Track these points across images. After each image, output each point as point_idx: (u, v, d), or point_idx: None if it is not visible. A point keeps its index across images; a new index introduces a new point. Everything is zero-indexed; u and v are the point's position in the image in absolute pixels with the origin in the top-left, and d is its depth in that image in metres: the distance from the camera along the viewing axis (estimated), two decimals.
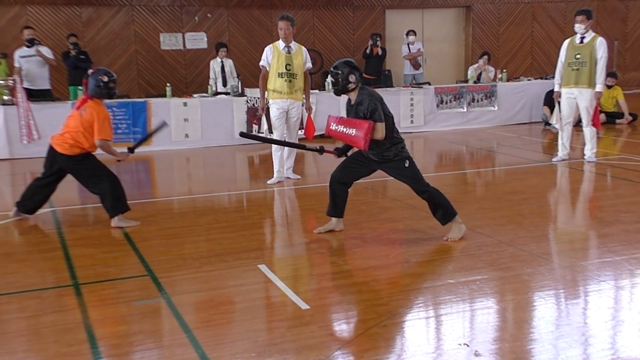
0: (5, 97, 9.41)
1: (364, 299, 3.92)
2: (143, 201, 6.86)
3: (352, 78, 4.89)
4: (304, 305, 3.79)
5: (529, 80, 12.98)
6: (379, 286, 4.13)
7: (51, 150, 5.65)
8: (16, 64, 10.26)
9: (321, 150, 5.30)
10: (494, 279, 4.24)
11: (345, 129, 4.89)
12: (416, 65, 12.89)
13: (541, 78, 13.24)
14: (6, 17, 11.66)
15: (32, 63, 10.26)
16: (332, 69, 4.97)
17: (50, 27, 11.92)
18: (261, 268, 4.47)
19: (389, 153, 4.95)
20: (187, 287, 4.19)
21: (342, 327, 3.62)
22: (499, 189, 7.22)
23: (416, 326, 3.59)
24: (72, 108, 9.55)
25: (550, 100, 10.31)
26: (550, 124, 10.64)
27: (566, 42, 8.39)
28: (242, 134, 5.49)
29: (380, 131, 4.82)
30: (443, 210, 5.06)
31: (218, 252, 4.90)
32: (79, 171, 5.65)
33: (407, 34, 12.96)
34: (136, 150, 5.99)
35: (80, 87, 10.29)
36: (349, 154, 5.28)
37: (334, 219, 5.33)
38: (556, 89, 8.53)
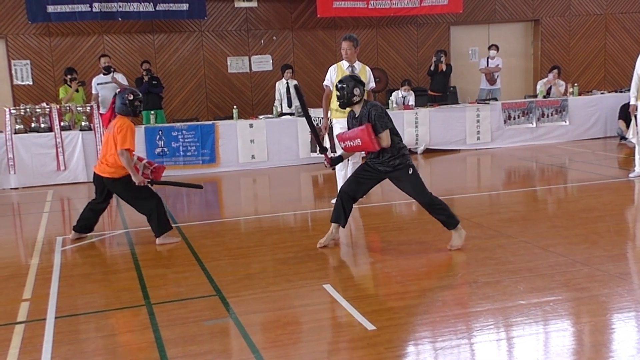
0: (83, 123, 9.89)
1: (432, 320, 3.85)
2: (211, 221, 7.01)
3: (356, 91, 5.28)
4: (370, 326, 3.76)
5: (602, 93, 12.52)
6: (447, 307, 4.05)
7: (97, 176, 5.96)
8: (93, 91, 10.76)
9: (323, 150, 5.66)
10: (568, 300, 4.08)
11: (351, 142, 5.24)
12: (491, 81, 12.68)
13: (615, 91, 12.75)
14: (84, 47, 12.28)
15: (108, 90, 10.72)
16: (337, 83, 5.39)
17: (125, 55, 12.45)
18: (326, 288, 4.47)
19: (394, 161, 5.25)
20: (254, 307, 4.24)
21: (410, 349, 3.56)
22: (572, 206, 6.97)
23: (487, 349, 3.49)
24: (145, 132, 9.98)
25: (626, 113, 9.90)
26: (626, 139, 10.22)
27: None
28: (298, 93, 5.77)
29: (386, 138, 5.16)
30: (442, 215, 5.33)
31: (284, 272, 4.94)
32: (126, 192, 5.93)
33: (489, 48, 12.80)
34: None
35: (152, 112, 10.72)
36: (340, 165, 5.80)
37: (333, 227, 5.55)
38: (632, 102, 8.21)
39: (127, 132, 5.72)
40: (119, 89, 6.01)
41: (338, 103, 5.44)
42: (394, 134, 5.27)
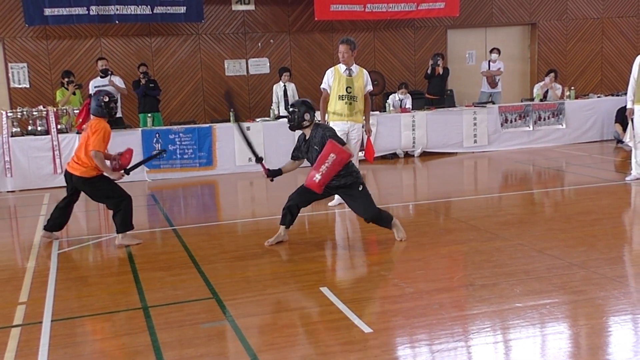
0: None
1: (428, 323, 3.85)
2: (208, 224, 7.01)
3: (307, 116, 5.58)
4: (366, 329, 3.76)
5: (599, 97, 12.55)
6: (444, 310, 4.05)
7: (67, 174, 5.97)
8: (91, 94, 10.76)
9: (259, 160, 5.79)
10: (565, 302, 4.09)
11: (327, 166, 5.29)
12: (492, 84, 12.71)
13: (612, 95, 12.78)
14: (82, 50, 12.26)
15: None
16: (289, 107, 5.69)
17: (122, 58, 12.44)
18: (323, 291, 4.46)
19: (346, 179, 5.53)
20: (251, 310, 4.23)
21: (406, 352, 3.56)
22: (569, 209, 6.98)
23: (483, 352, 3.49)
24: (142, 135, 9.97)
25: (623, 117, 9.94)
26: (622, 142, 10.24)
27: (639, 57, 8.09)
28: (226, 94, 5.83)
29: (348, 148, 5.43)
30: (383, 222, 5.66)
31: (281, 274, 4.94)
32: (95, 192, 5.99)
33: (491, 52, 12.84)
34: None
35: (149, 115, 10.71)
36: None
37: (282, 229, 5.79)
38: (629, 105, 8.22)
39: (101, 134, 5.74)
40: (94, 92, 6.00)
41: (288, 125, 5.73)
42: None
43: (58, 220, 6.19)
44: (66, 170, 6.01)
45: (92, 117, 5.89)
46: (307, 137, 5.66)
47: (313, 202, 5.93)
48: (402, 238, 5.65)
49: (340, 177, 5.51)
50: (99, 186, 5.91)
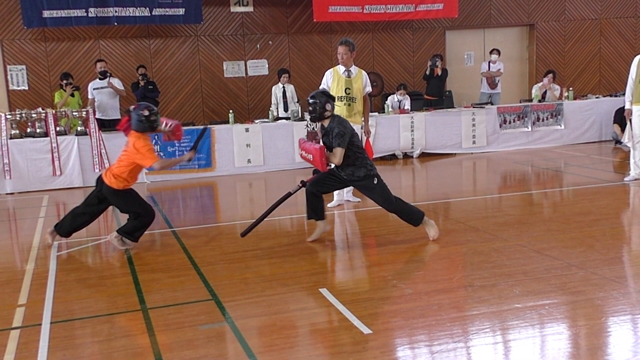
0: (78, 128, 9.87)
1: (427, 323, 3.86)
2: (207, 226, 7.01)
3: (328, 106, 5.50)
4: (366, 330, 3.76)
5: (597, 98, 12.57)
6: (443, 310, 4.05)
7: (100, 180, 5.94)
8: (90, 96, 10.76)
9: (302, 185, 5.76)
10: (564, 303, 4.09)
11: (305, 154, 5.53)
12: (492, 85, 12.74)
13: (610, 95, 12.80)
14: (80, 51, 12.26)
15: (104, 94, 10.74)
16: (309, 99, 5.57)
17: (121, 59, 12.44)
18: (322, 292, 4.47)
19: (359, 172, 5.54)
20: (250, 311, 4.23)
21: (405, 352, 3.56)
22: (567, 210, 6.99)
23: (483, 352, 3.50)
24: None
25: (621, 118, 9.95)
26: (621, 143, 10.26)
27: (637, 58, 8.11)
28: (242, 235, 5.88)
29: (338, 156, 5.42)
30: (411, 217, 5.63)
31: (280, 276, 4.94)
32: (121, 204, 6.01)
33: (491, 52, 12.86)
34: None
35: None
36: None
37: (320, 223, 5.81)
38: (627, 106, 8.23)
39: (145, 149, 5.70)
40: (133, 107, 5.94)
41: (309, 117, 5.68)
42: (355, 146, 5.53)
43: (68, 228, 6.07)
44: (100, 176, 5.97)
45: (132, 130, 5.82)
46: (325, 127, 5.59)
47: (327, 192, 5.94)
48: (433, 237, 5.58)
49: (353, 169, 5.53)
50: (125, 199, 5.91)
